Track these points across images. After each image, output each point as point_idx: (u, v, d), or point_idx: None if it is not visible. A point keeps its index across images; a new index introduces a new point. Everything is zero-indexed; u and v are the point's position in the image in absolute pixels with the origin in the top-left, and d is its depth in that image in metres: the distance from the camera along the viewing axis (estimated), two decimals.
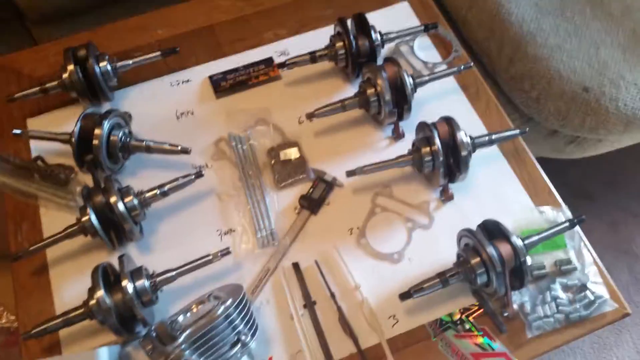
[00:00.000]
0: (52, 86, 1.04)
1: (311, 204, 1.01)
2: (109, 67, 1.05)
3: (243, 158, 1.05)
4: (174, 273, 0.87)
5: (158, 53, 1.10)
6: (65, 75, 1.02)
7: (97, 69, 1.03)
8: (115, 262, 0.88)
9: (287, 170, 1.04)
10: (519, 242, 0.87)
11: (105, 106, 1.10)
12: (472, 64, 1.13)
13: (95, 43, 1.09)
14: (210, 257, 0.88)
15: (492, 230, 0.89)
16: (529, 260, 0.87)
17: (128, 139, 0.99)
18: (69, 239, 0.91)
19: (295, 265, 0.96)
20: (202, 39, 1.21)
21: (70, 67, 1.02)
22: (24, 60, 1.18)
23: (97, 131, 0.94)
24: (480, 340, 0.90)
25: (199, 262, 0.88)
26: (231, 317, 0.79)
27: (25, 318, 0.91)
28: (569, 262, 0.96)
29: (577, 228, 0.97)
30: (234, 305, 0.80)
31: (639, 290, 1.73)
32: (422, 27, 1.18)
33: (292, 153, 1.05)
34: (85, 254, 0.96)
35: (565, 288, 0.94)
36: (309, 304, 0.92)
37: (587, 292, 0.93)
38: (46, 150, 1.05)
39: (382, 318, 0.92)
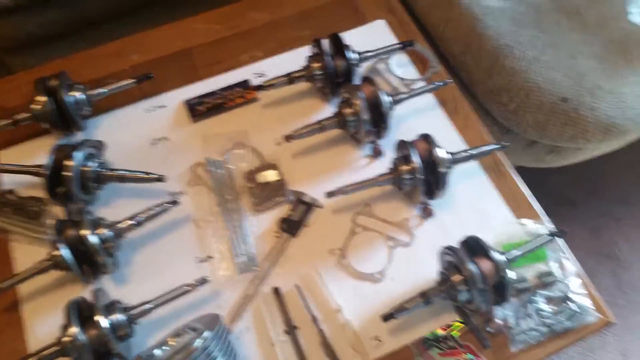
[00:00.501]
0: (23, 118, 1.02)
1: (291, 226, 1.00)
2: (82, 96, 1.04)
3: (220, 182, 1.04)
4: (150, 305, 0.85)
5: (132, 80, 1.08)
6: (36, 107, 1.01)
7: (68, 99, 1.02)
8: (90, 296, 0.86)
9: (265, 193, 1.03)
10: (500, 258, 0.86)
11: (79, 136, 1.08)
12: (451, 80, 1.13)
13: (69, 70, 1.08)
14: (187, 288, 0.87)
15: (473, 247, 0.88)
16: (511, 275, 0.86)
17: (101, 169, 0.97)
18: (42, 274, 0.89)
19: (276, 290, 0.94)
20: (177, 63, 1.20)
21: (42, 98, 1.00)
22: None
23: (69, 163, 0.92)
24: (464, 356, 0.89)
25: (175, 293, 0.86)
26: (208, 349, 0.77)
27: None
28: (550, 274, 0.95)
29: (559, 240, 0.96)
30: (210, 337, 0.78)
31: (622, 294, 1.74)
32: (399, 45, 1.18)
33: (271, 175, 1.04)
34: (59, 289, 0.94)
35: (548, 300, 0.93)
36: (291, 330, 0.90)
37: (570, 303, 0.93)
38: (17, 182, 1.03)
39: (366, 340, 0.90)
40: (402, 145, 0.99)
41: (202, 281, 0.87)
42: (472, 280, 0.84)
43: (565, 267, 0.96)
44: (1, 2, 1.38)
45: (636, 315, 1.72)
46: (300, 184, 1.05)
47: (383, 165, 1.03)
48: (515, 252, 0.89)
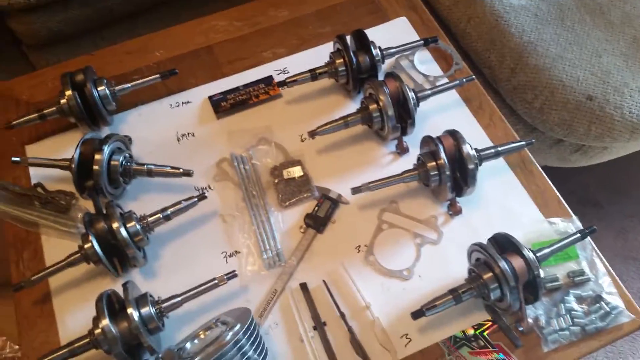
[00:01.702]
0: (50, 112, 1.03)
1: (317, 222, 0.99)
2: (107, 91, 1.04)
3: (246, 178, 1.04)
4: (179, 299, 0.85)
5: (157, 76, 1.09)
6: (63, 101, 1.01)
7: (95, 94, 1.02)
8: (119, 289, 0.86)
9: (291, 188, 1.02)
10: (531, 255, 0.85)
11: (105, 130, 1.09)
12: (474, 77, 1.12)
13: (94, 66, 1.08)
14: (216, 281, 0.87)
15: (503, 244, 0.88)
16: (542, 273, 0.85)
17: (129, 164, 0.98)
18: (72, 267, 0.89)
19: (303, 286, 0.94)
20: (200, 59, 1.20)
21: (68, 92, 1.01)
22: (22, 87, 1.17)
23: (97, 156, 0.93)
24: (495, 356, 0.88)
25: (205, 286, 0.86)
26: (240, 343, 0.77)
27: (29, 349, 0.89)
28: (582, 273, 0.94)
29: (589, 238, 0.95)
30: (242, 331, 0.78)
31: None
32: (422, 41, 1.17)
33: (296, 171, 1.04)
34: (89, 282, 0.94)
35: (580, 300, 0.92)
36: (319, 325, 0.90)
37: (602, 303, 0.91)
38: (46, 176, 1.03)
39: (395, 337, 0.90)
40: (428, 141, 0.99)
41: (232, 275, 0.87)
42: (503, 277, 0.83)
43: (597, 266, 0.95)
44: (25, 0, 1.38)
45: None
46: (325, 180, 1.05)
47: (408, 162, 1.03)
48: (546, 250, 0.88)
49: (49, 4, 1.45)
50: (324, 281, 0.94)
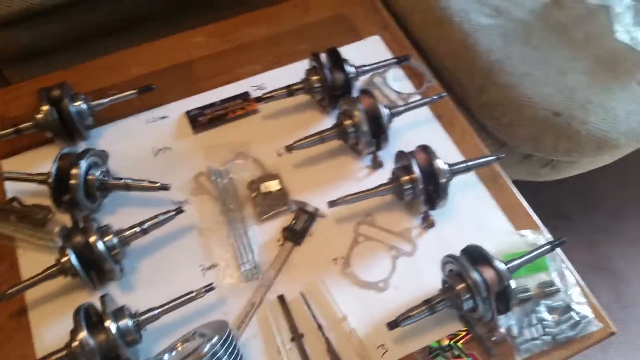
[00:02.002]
0: (27, 127, 1.03)
1: (294, 235, 1.01)
2: (84, 106, 1.05)
3: (224, 192, 1.05)
4: (157, 311, 0.85)
5: (134, 91, 1.10)
6: (39, 116, 1.01)
7: (72, 109, 1.03)
8: (97, 303, 0.86)
9: (268, 202, 1.04)
10: (502, 266, 0.87)
11: (81, 145, 1.09)
12: (445, 93, 1.15)
13: (70, 82, 1.09)
14: (194, 294, 0.87)
15: (475, 255, 0.89)
16: (513, 284, 0.87)
17: (106, 178, 0.98)
18: (49, 280, 0.88)
19: (281, 298, 0.94)
20: (178, 75, 1.21)
21: (45, 107, 1.01)
22: None
23: (74, 171, 0.93)
24: None
25: (182, 299, 0.86)
26: (217, 355, 0.77)
27: None
28: (552, 284, 0.96)
29: (558, 250, 0.98)
30: (220, 343, 0.78)
31: (621, 308, 1.76)
32: (395, 60, 1.21)
33: (273, 185, 1.05)
34: (65, 295, 0.93)
35: (551, 310, 0.95)
36: (297, 337, 0.91)
37: (572, 312, 0.94)
38: (22, 191, 1.03)
39: (371, 348, 0.91)
40: (402, 155, 1.01)
41: (209, 288, 0.87)
42: (475, 288, 0.85)
43: (566, 277, 0.98)
44: None
45: (637, 329, 1.73)
46: (302, 194, 1.06)
47: (383, 176, 1.05)
48: (517, 261, 0.91)
49: (24, 19, 1.44)
50: (301, 293, 0.95)
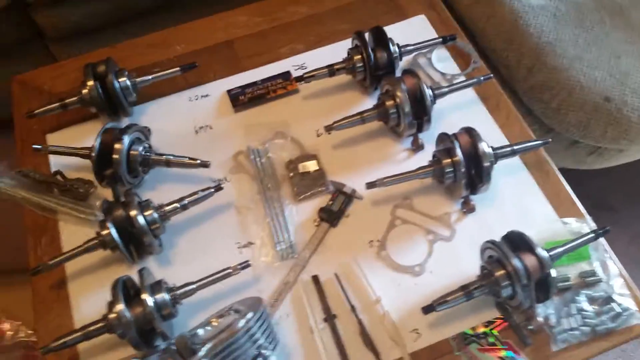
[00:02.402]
0: (72, 102, 1.05)
1: (330, 216, 1.00)
2: (128, 83, 1.06)
3: (262, 171, 1.05)
4: (193, 286, 0.86)
5: (177, 68, 1.10)
6: (84, 91, 1.03)
7: (116, 85, 1.04)
8: (134, 276, 0.88)
9: (305, 182, 1.03)
10: (544, 254, 0.85)
11: (125, 121, 1.11)
12: (492, 75, 1.12)
13: (115, 58, 1.10)
14: (230, 270, 0.88)
15: (516, 242, 0.88)
16: (554, 273, 0.85)
17: (148, 153, 0.99)
18: (89, 253, 0.91)
19: (315, 278, 0.94)
20: (220, 54, 1.22)
21: (90, 82, 1.03)
22: (44, 77, 1.19)
23: (117, 146, 0.94)
24: (504, 354, 0.88)
25: (218, 275, 0.88)
26: (252, 331, 0.78)
27: (44, 332, 0.91)
28: (593, 273, 0.94)
29: (602, 239, 0.95)
30: (254, 319, 0.79)
31: None
32: (440, 39, 1.18)
33: (311, 165, 1.05)
34: (104, 268, 0.96)
35: (591, 300, 0.92)
36: (329, 318, 0.91)
37: (614, 304, 0.91)
38: (65, 165, 1.05)
39: (404, 332, 0.90)
40: (444, 138, 0.99)
41: (245, 265, 0.88)
42: (515, 275, 0.83)
43: (609, 267, 0.95)
44: None
45: None
46: (339, 175, 1.05)
47: (423, 159, 1.03)
48: (559, 249, 0.88)
49: None
50: (335, 274, 0.95)
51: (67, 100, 1.04)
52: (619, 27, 1.31)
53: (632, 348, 1.63)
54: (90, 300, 0.93)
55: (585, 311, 0.90)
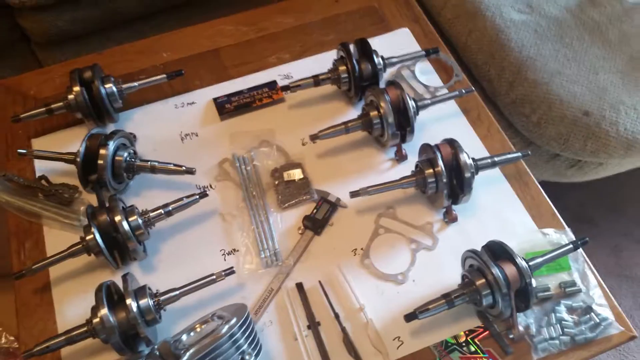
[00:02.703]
0: (58, 107, 1.05)
1: (315, 224, 1.01)
2: (114, 89, 1.06)
3: (247, 179, 1.05)
4: (177, 292, 0.87)
5: (163, 75, 1.11)
6: (70, 96, 1.03)
7: (102, 91, 1.04)
8: (118, 282, 0.87)
9: (290, 190, 1.04)
10: (523, 264, 0.86)
11: (110, 127, 1.11)
12: (473, 88, 1.14)
13: (101, 65, 1.10)
14: (214, 277, 0.88)
15: (497, 251, 0.89)
16: (533, 282, 0.86)
17: (133, 159, 0.99)
18: (73, 258, 0.90)
19: (299, 286, 0.95)
20: (206, 62, 1.23)
21: (76, 88, 1.03)
22: (30, 82, 1.19)
23: (102, 151, 0.94)
24: None
25: (202, 281, 0.88)
26: (235, 337, 0.78)
27: (27, 336, 0.90)
28: (573, 284, 0.95)
29: (581, 250, 0.97)
30: (238, 325, 0.79)
31: None
32: (424, 52, 1.20)
33: (296, 174, 1.06)
34: (88, 273, 0.96)
35: (570, 310, 0.94)
36: (313, 325, 0.91)
37: (593, 314, 0.93)
38: (50, 170, 1.05)
39: (387, 339, 0.91)
40: (427, 148, 1.01)
41: (229, 271, 0.89)
42: (496, 284, 0.84)
43: (588, 277, 0.97)
44: None
45: None
46: (324, 183, 1.07)
47: (406, 169, 1.05)
48: (539, 260, 0.90)
49: (59, 3, 1.48)
50: (319, 282, 0.96)
51: (53, 105, 1.04)
52: (597, 44, 1.35)
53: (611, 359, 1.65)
54: (73, 305, 0.93)
55: (565, 321, 0.92)
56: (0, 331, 1.40)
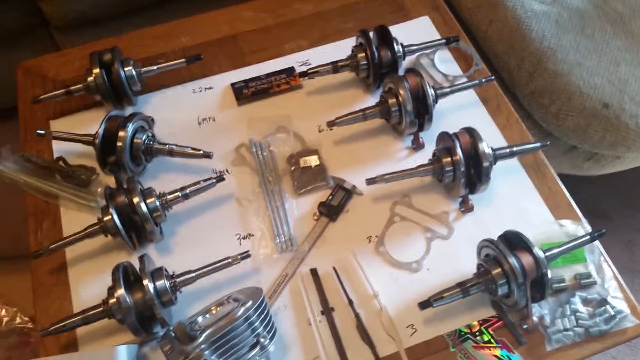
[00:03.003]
0: (77, 89, 1.05)
1: (330, 211, 1.01)
2: (133, 72, 1.07)
3: (263, 164, 1.06)
4: (193, 274, 0.87)
5: (182, 60, 1.11)
6: (90, 78, 1.04)
7: (122, 73, 1.05)
8: (134, 263, 0.88)
9: (306, 177, 1.04)
10: (540, 254, 0.86)
11: (128, 110, 1.11)
12: (493, 77, 1.13)
13: (120, 49, 1.11)
14: (230, 260, 0.89)
15: (513, 241, 0.89)
16: (549, 273, 0.86)
17: (151, 142, 1.00)
18: (90, 239, 0.91)
19: (314, 271, 0.95)
20: (225, 48, 1.22)
21: (96, 70, 1.03)
22: (49, 65, 1.20)
23: (121, 133, 0.95)
24: (498, 352, 0.89)
25: (218, 264, 0.88)
26: (251, 319, 0.79)
27: (43, 316, 0.91)
28: (589, 276, 0.95)
29: (597, 242, 0.97)
30: (253, 308, 0.80)
31: None
32: (444, 40, 1.19)
33: (312, 160, 1.06)
34: (104, 254, 0.96)
35: (585, 302, 0.93)
36: (327, 311, 0.91)
37: (608, 306, 0.92)
38: (68, 151, 1.06)
39: (400, 327, 0.91)
40: (445, 137, 1.00)
41: (245, 255, 0.89)
42: (512, 273, 0.84)
43: (604, 270, 0.96)
44: None
45: None
46: (340, 170, 1.06)
47: (423, 158, 1.04)
48: (555, 250, 0.89)
49: None
50: (334, 268, 0.96)
51: (72, 87, 1.05)
52: (619, 36, 1.33)
53: (622, 355, 1.64)
54: (89, 286, 0.94)
55: (580, 312, 0.92)
56: (15, 311, 1.43)
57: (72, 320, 0.83)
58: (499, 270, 0.86)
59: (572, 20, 1.35)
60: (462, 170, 0.96)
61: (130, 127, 0.96)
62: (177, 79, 1.17)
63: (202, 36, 1.24)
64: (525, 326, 0.90)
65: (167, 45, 1.22)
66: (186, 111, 1.13)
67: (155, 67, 1.10)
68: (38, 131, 1.02)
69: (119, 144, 0.94)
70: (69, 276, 0.95)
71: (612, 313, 0.92)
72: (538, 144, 1.03)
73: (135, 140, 0.97)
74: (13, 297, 1.45)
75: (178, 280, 0.86)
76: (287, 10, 1.29)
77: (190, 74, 1.17)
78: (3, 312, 1.42)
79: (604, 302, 0.93)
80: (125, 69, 1.06)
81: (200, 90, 1.16)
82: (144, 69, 1.09)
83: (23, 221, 1.01)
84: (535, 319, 0.91)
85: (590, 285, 0.94)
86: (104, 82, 1.03)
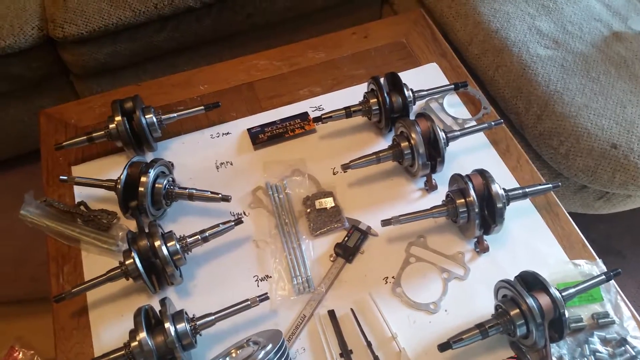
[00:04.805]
0: (99, 135, 1.09)
1: (346, 252, 1.02)
2: (154, 119, 1.10)
3: (279, 206, 1.08)
4: (213, 317, 0.88)
5: (201, 107, 1.15)
6: (112, 126, 1.07)
7: (143, 121, 1.08)
8: (155, 306, 0.89)
9: (322, 218, 1.06)
10: (557, 294, 0.86)
11: (149, 156, 1.14)
12: (502, 120, 1.16)
13: (140, 96, 1.14)
14: (249, 303, 0.89)
15: (530, 282, 0.89)
16: (566, 313, 0.86)
17: (172, 187, 1.02)
18: (111, 282, 0.92)
19: (331, 313, 0.96)
20: (241, 94, 1.27)
21: (118, 118, 1.07)
22: (71, 112, 1.24)
23: (143, 179, 0.97)
24: None
25: (237, 307, 0.89)
26: None
27: (64, 359, 0.92)
28: (606, 315, 0.95)
29: (613, 282, 0.97)
30: (274, 351, 0.80)
31: None
32: (453, 86, 1.22)
33: (328, 202, 1.08)
34: (124, 297, 0.98)
35: (604, 342, 0.93)
36: (346, 353, 0.91)
37: (628, 346, 0.92)
38: (88, 196, 1.08)
39: None
40: (458, 178, 1.02)
41: (264, 297, 0.90)
42: (530, 314, 0.84)
43: (621, 309, 0.96)
44: (78, 33, 1.47)
45: None
46: (355, 212, 1.08)
47: (436, 199, 1.06)
48: (571, 290, 0.90)
49: (99, 37, 1.54)
50: (351, 309, 0.96)
51: (94, 134, 1.08)
52: (624, 78, 1.36)
53: None
54: (110, 329, 0.94)
55: (600, 352, 0.91)
56: (33, 354, 1.42)
57: None
58: (517, 311, 0.86)
59: (577, 64, 1.39)
60: (476, 212, 0.97)
61: (152, 173, 0.98)
62: (195, 124, 1.20)
63: (220, 84, 1.28)
64: None
65: (186, 92, 1.27)
66: (205, 156, 1.16)
67: (175, 115, 1.13)
68: (61, 177, 1.05)
69: (141, 189, 0.97)
70: (90, 319, 0.96)
71: (633, 353, 0.91)
72: (550, 185, 1.04)
73: (156, 185, 1.00)
74: (30, 339, 1.45)
75: (198, 323, 0.87)
76: (301, 58, 1.34)
77: (208, 120, 1.21)
78: (21, 355, 1.41)
79: (623, 341, 0.92)
80: (147, 116, 1.09)
81: (218, 136, 1.19)
82: (164, 117, 1.12)
83: (41, 264, 1.03)
84: (554, 359, 0.90)
85: (609, 324, 0.94)
86: (126, 129, 1.07)
